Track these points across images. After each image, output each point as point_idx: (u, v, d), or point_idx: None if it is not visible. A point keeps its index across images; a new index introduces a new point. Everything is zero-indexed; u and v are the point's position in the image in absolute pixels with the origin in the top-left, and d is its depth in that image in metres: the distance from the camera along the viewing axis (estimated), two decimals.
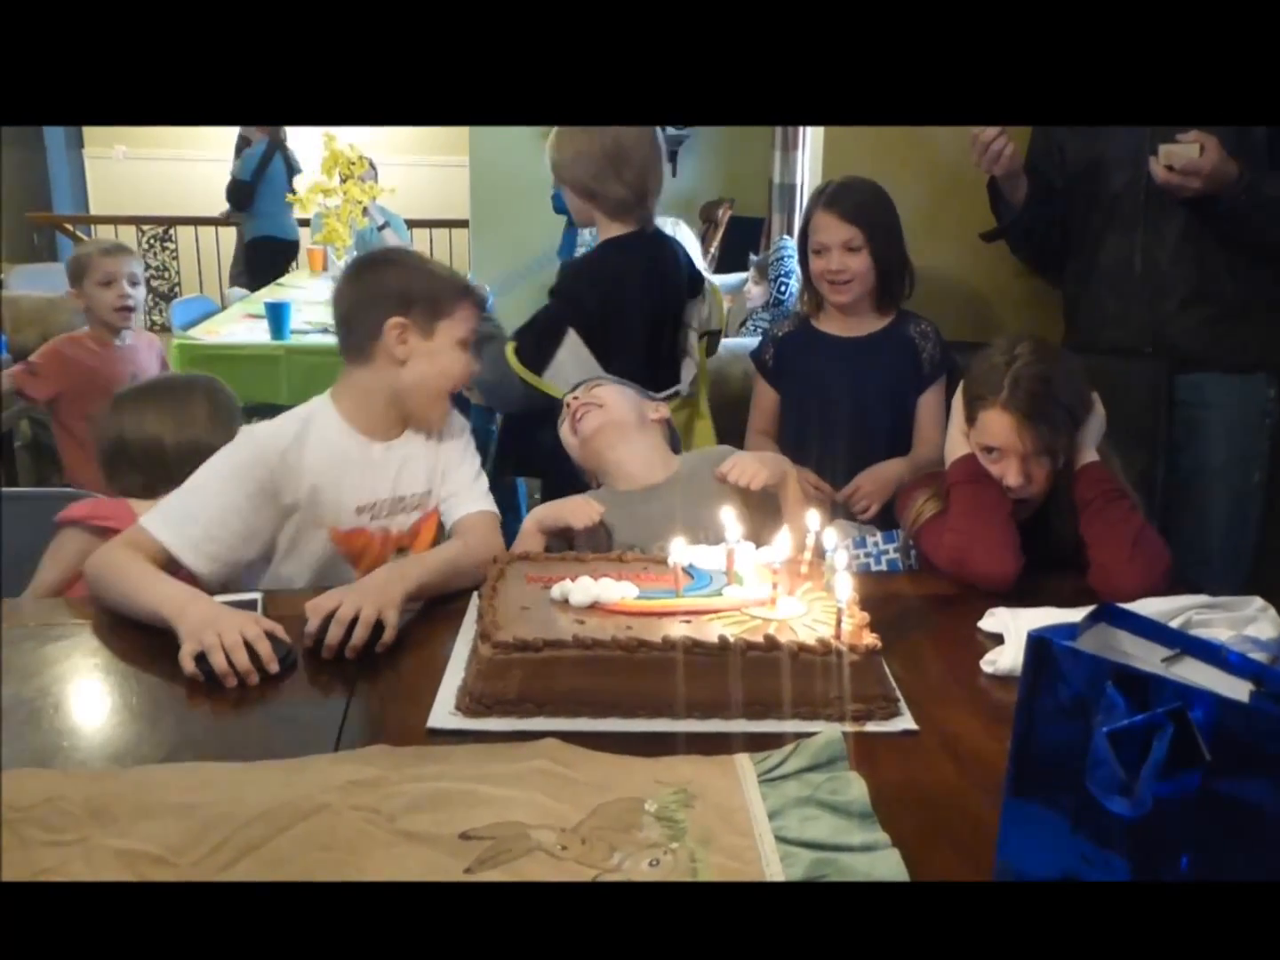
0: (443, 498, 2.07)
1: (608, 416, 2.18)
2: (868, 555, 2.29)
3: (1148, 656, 1.06)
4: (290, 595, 1.91)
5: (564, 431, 2.26)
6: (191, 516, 1.84)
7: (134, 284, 3.78)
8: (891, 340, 2.64)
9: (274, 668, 1.58)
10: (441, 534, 2.07)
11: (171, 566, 1.80)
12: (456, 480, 2.08)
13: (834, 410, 2.58)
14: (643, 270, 2.54)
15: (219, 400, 2.32)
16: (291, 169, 7.46)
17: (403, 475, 2.03)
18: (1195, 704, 0.90)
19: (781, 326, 2.76)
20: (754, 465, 2.07)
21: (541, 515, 2.09)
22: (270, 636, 1.61)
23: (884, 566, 2.25)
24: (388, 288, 1.98)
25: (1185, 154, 2.34)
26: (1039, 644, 1.00)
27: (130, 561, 1.77)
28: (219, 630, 1.58)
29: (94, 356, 3.78)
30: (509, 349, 2.53)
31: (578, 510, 2.04)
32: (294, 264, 7.63)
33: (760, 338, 2.92)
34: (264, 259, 7.60)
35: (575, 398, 2.24)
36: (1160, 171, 2.39)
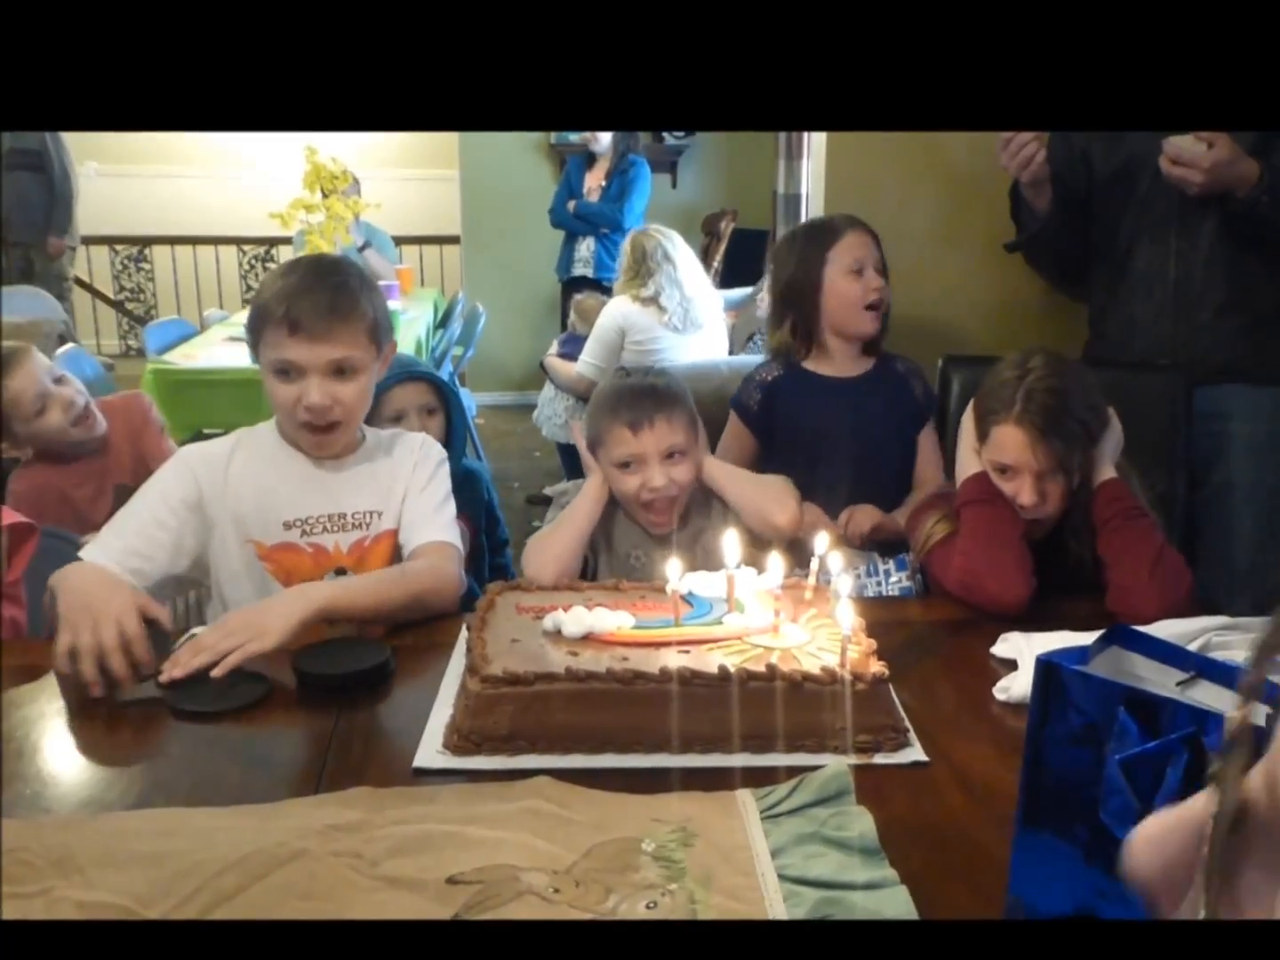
0: (402, 526, 2.07)
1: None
2: (879, 583, 2.30)
3: (1162, 680, 1.06)
4: None
5: None
6: (119, 531, 1.93)
7: (59, 380, 2.91)
8: (886, 378, 2.66)
9: (147, 670, 1.62)
10: (396, 559, 2.05)
11: None
12: (416, 508, 2.07)
13: (840, 451, 2.58)
14: None
15: None
16: None
17: (347, 493, 2.04)
18: (1210, 728, 0.90)
19: (770, 370, 2.67)
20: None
21: None
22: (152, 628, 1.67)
23: (896, 593, 2.26)
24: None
25: (1189, 147, 2.38)
26: (1048, 668, 1.01)
27: None
28: (96, 623, 1.62)
29: (66, 482, 2.97)
30: None
31: None
32: None
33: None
34: None
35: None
36: (1164, 164, 2.42)
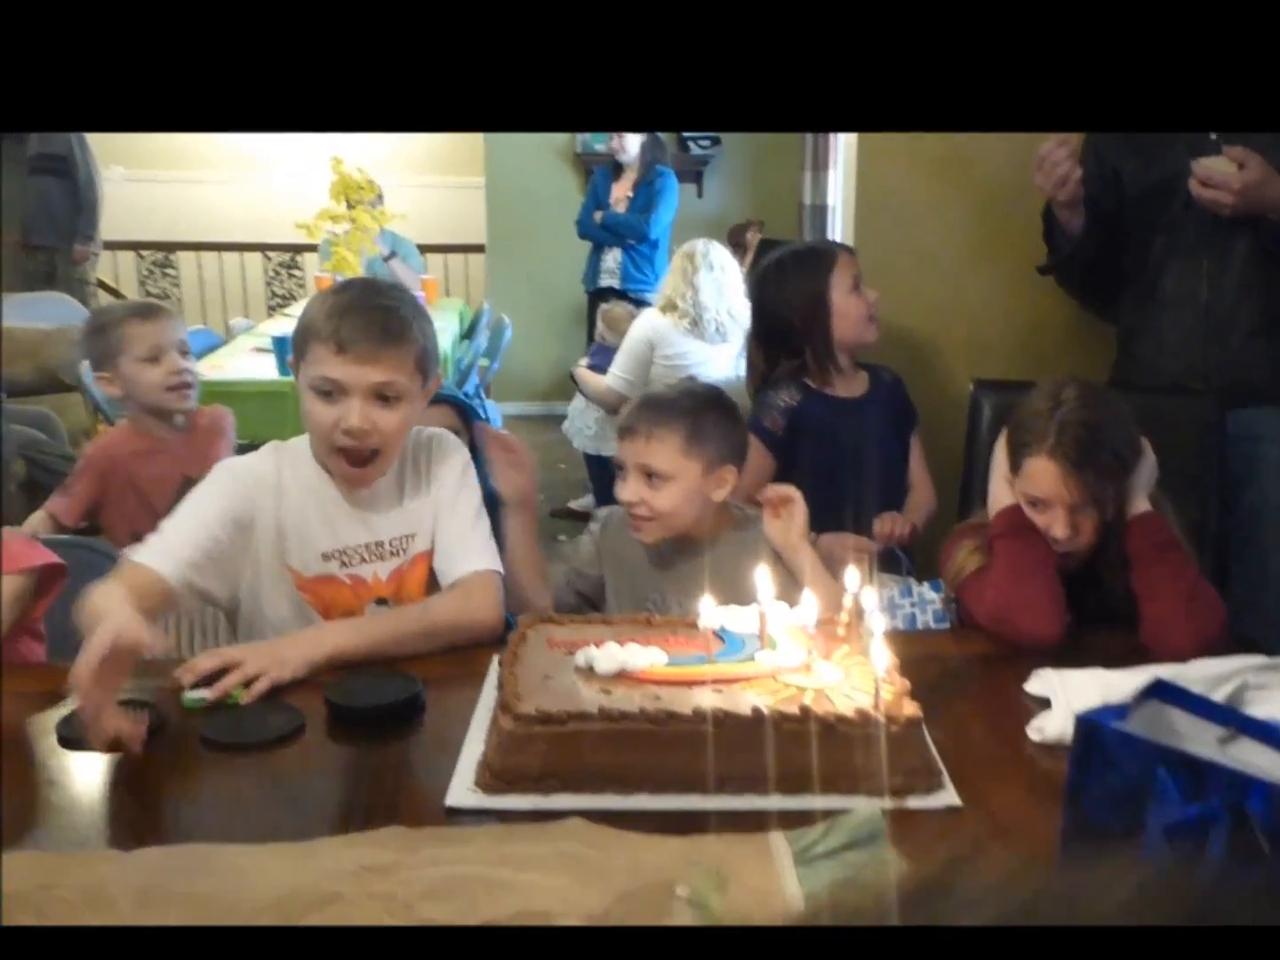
0: (438, 552, 2.02)
1: None
2: (914, 605, 2.29)
3: (1201, 735, 1.06)
4: None
5: None
6: (165, 536, 1.86)
7: (184, 353, 3.08)
8: (885, 392, 2.77)
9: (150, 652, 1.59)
10: (432, 582, 2.01)
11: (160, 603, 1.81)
12: (450, 530, 2.01)
13: (863, 468, 2.62)
14: None
15: None
16: None
17: (381, 518, 2.00)
18: (1252, 793, 0.90)
19: (791, 395, 2.70)
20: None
21: None
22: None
23: (930, 617, 2.26)
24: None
25: (1220, 169, 2.37)
26: (1089, 728, 1.01)
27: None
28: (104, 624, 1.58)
29: (137, 456, 3.05)
30: None
31: None
32: None
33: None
34: None
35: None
36: (1195, 186, 2.41)
